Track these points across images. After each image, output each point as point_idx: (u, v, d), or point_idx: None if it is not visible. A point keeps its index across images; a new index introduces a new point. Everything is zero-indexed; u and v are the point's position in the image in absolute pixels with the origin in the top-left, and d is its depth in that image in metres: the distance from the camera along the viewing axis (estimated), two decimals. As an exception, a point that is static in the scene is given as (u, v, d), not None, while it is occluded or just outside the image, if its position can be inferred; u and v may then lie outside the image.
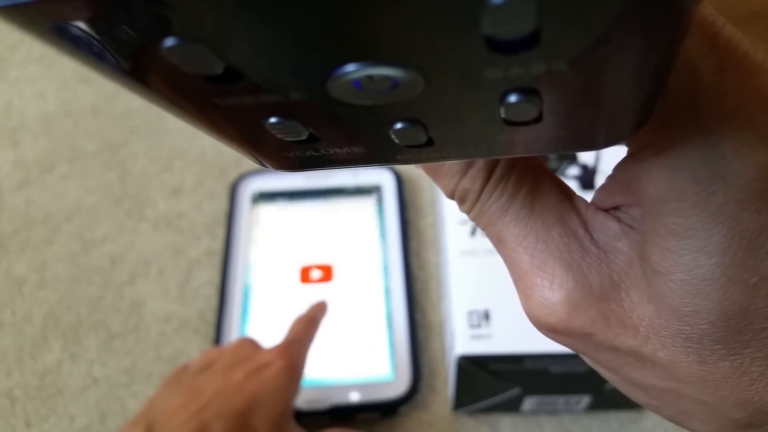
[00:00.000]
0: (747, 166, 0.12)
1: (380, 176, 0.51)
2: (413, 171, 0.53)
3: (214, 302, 0.46)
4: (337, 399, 0.40)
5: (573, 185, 0.42)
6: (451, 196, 0.16)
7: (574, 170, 0.42)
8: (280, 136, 0.11)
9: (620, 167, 0.14)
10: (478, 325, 0.36)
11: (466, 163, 0.15)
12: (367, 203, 0.50)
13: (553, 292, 0.14)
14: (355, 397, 0.40)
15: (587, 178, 0.43)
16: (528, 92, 0.10)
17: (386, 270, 0.46)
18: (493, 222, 0.15)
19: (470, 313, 0.37)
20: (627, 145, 0.14)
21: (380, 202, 0.50)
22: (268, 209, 0.50)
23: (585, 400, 0.39)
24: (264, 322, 0.44)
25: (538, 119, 0.11)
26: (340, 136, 0.12)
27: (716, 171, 0.12)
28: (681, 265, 0.13)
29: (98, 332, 0.45)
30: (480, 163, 0.15)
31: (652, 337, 0.14)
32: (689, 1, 0.09)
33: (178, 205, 0.51)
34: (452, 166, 0.15)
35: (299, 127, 0.11)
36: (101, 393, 0.43)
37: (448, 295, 0.40)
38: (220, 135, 0.12)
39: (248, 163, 0.54)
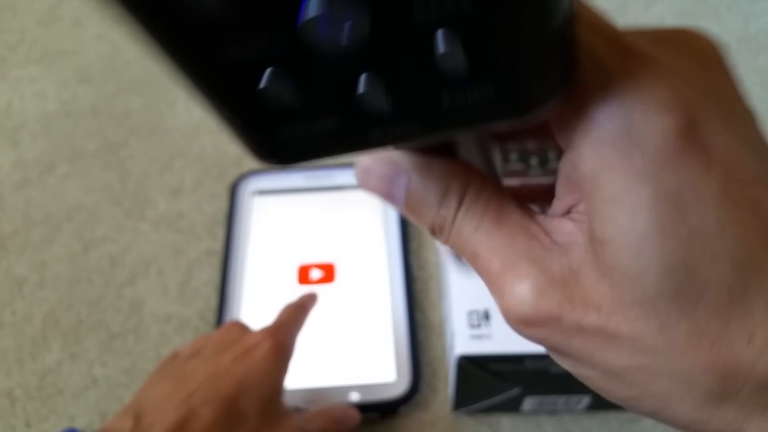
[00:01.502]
0: (654, 131, 0.14)
1: (380, 176, 0.51)
2: (413, 171, 0.53)
3: (214, 302, 0.46)
4: (337, 399, 0.40)
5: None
6: (432, 230, 0.18)
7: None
8: (270, 100, 0.13)
9: (561, 166, 0.17)
10: (478, 325, 0.36)
11: (442, 194, 0.18)
12: (369, 202, 0.50)
13: (522, 284, 0.16)
14: (355, 397, 0.40)
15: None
16: (451, 33, 0.12)
17: (386, 270, 0.46)
18: (467, 240, 0.17)
19: (470, 313, 0.37)
20: (560, 141, 0.16)
21: (380, 202, 0.50)
22: (268, 209, 0.50)
23: (585, 400, 0.39)
24: (264, 322, 0.44)
25: (469, 78, 0.13)
26: (317, 96, 0.13)
27: (632, 139, 0.14)
28: (619, 227, 0.14)
29: (98, 332, 0.45)
30: (452, 193, 0.17)
31: (614, 312, 0.15)
32: None
33: (178, 205, 0.51)
34: (429, 198, 0.18)
35: (284, 87, 0.13)
36: (101, 393, 0.43)
37: (448, 295, 0.40)
38: (216, 101, 0.13)
39: (248, 162, 0.54)
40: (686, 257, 0.14)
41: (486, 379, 0.37)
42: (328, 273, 0.46)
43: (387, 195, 0.18)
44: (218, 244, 0.49)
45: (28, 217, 0.51)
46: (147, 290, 0.47)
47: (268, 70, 0.12)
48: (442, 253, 0.44)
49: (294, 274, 0.46)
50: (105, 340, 0.45)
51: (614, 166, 0.14)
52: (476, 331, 0.36)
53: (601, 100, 0.14)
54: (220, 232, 0.50)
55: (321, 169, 0.52)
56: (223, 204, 0.51)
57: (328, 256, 0.47)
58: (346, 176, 0.51)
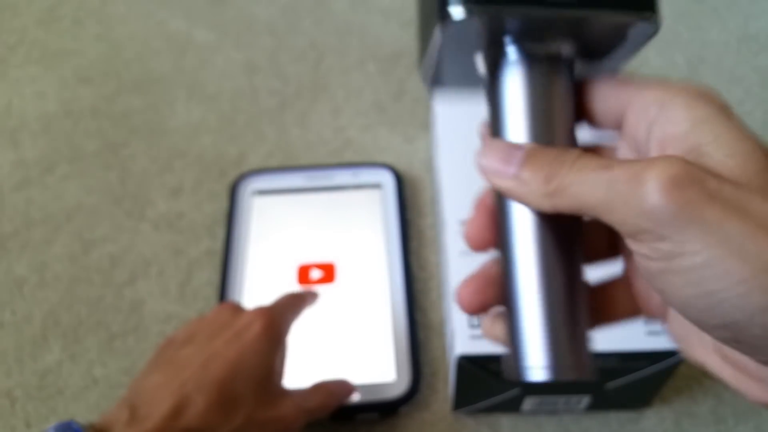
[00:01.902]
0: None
1: (380, 176, 0.51)
2: (413, 171, 0.53)
3: (214, 302, 0.46)
4: (337, 399, 0.40)
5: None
6: (547, 177, 0.20)
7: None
8: None
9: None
10: (478, 325, 0.36)
11: (561, 149, 0.20)
12: (369, 202, 0.50)
13: (672, 158, 0.18)
14: (355, 397, 0.40)
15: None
16: None
17: (386, 270, 0.46)
18: (593, 167, 0.19)
19: (470, 313, 0.37)
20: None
21: (380, 202, 0.50)
22: (268, 209, 0.50)
23: (585, 400, 0.39)
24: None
25: None
26: None
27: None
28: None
29: (98, 332, 0.45)
30: (571, 150, 0.20)
31: (746, 190, 0.18)
32: None
33: (178, 205, 0.51)
34: (548, 152, 0.20)
35: None
36: (101, 393, 0.43)
37: (448, 295, 0.40)
38: None
39: (248, 162, 0.54)
40: None
41: (486, 379, 0.37)
42: (328, 273, 0.46)
43: (505, 160, 0.21)
44: (218, 244, 0.49)
45: (28, 217, 0.51)
46: (147, 290, 0.47)
47: None
48: (442, 253, 0.44)
49: (294, 274, 0.46)
50: (105, 340, 0.45)
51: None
52: (476, 331, 0.36)
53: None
54: (220, 232, 0.50)
55: (321, 169, 0.52)
56: (223, 204, 0.51)
57: (328, 256, 0.47)
58: (346, 176, 0.51)
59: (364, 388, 0.41)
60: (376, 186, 0.51)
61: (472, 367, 0.36)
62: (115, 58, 0.62)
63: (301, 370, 0.42)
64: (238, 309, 0.36)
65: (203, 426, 0.29)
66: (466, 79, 0.24)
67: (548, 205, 0.20)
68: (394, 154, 0.54)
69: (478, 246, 0.24)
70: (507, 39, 0.22)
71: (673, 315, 0.22)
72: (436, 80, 0.25)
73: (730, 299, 0.17)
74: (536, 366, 0.21)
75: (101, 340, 0.45)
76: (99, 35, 0.64)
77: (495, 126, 0.22)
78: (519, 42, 0.22)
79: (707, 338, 0.20)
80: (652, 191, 0.17)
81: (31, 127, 0.57)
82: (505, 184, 0.21)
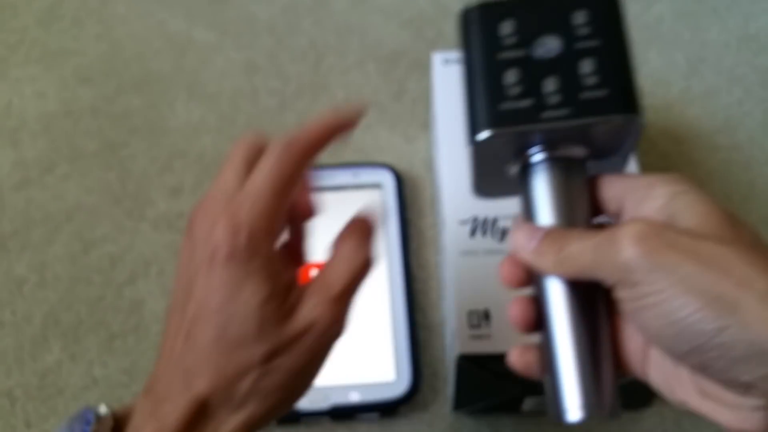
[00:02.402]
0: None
1: (380, 176, 0.51)
2: (413, 171, 0.53)
3: (214, 302, 0.46)
4: (337, 399, 0.40)
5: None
6: (556, 249, 0.26)
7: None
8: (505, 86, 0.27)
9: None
10: (478, 326, 0.36)
11: (567, 229, 0.27)
12: (369, 202, 0.50)
13: (637, 220, 0.25)
14: (355, 397, 0.40)
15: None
16: (588, 62, 0.28)
17: (386, 270, 0.46)
18: (585, 240, 0.25)
19: (470, 314, 0.37)
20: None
21: (380, 202, 0.50)
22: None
23: (585, 400, 0.39)
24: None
25: (596, 84, 0.27)
26: (527, 86, 0.27)
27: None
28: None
29: (98, 332, 0.45)
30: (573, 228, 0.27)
31: (699, 237, 0.24)
32: None
33: (178, 205, 0.51)
34: (560, 232, 0.26)
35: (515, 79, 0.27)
36: (101, 393, 0.43)
37: (447, 295, 0.40)
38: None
39: (248, 163, 0.54)
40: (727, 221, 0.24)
41: (486, 379, 0.37)
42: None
43: (528, 236, 0.27)
44: (218, 244, 0.49)
45: (28, 217, 0.51)
46: (147, 290, 0.47)
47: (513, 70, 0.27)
48: (442, 253, 0.44)
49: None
50: (105, 340, 0.45)
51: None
52: (476, 332, 0.36)
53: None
54: (220, 232, 0.50)
55: (321, 169, 0.52)
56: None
57: (328, 256, 0.47)
58: (346, 176, 0.51)
59: (364, 388, 0.41)
60: (376, 186, 0.51)
61: (472, 367, 0.36)
62: (115, 58, 0.62)
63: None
64: (202, 218, 0.28)
65: (215, 395, 0.25)
66: (502, 188, 0.30)
67: (560, 272, 0.26)
68: (394, 154, 0.54)
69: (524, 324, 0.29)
70: (530, 149, 0.28)
71: (653, 365, 0.26)
72: (479, 190, 0.31)
73: (691, 326, 0.21)
74: (573, 408, 0.26)
75: (101, 340, 0.45)
76: (99, 35, 0.64)
77: (526, 214, 0.29)
78: (540, 150, 0.28)
79: (685, 379, 0.24)
80: (624, 246, 0.23)
81: (31, 127, 0.57)
82: (527, 256, 0.26)
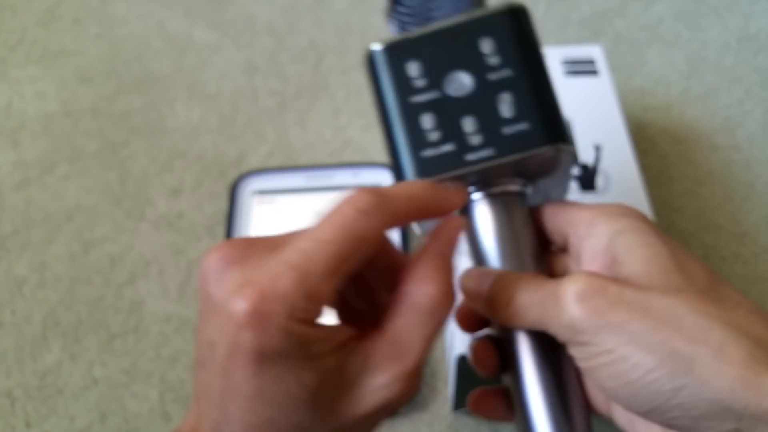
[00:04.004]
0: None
1: (380, 176, 0.51)
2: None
3: (214, 302, 0.46)
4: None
5: (573, 185, 0.42)
6: (503, 295, 0.24)
7: (573, 170, 0.42)
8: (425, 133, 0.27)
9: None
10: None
11: (515, 277, 0.25)
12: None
13: (578, 276, 0.23)
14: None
15: (587, 177, 0.43)
16: (506, 96, 0.27)
17: (386, 270, 0.46)
18: (532, 288, 0.24)
19: (470, 314, 0.37)
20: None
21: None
22: (268, 209, 0.50)
23: (585, 400, 0.39)
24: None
25: (515, 117, 0.26)
26: (446, 130, 0.27)
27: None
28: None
29: (98, 332, 0.45)
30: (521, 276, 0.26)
31: (648, 289, 0.23)
32: None
33: (178, 205, 0.51)
34: (507, 283, 0.25)
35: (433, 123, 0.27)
36: (101, 393, 0.43)
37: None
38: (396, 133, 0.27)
39: (248, 162, 0.54)
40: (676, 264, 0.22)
41: (486, 380, 0.37)
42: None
43: (477, 282, 0.25)
44: (218, 244, 0.49)
45: (28, 217, 0.51)
46: (147, 290, 0.47)
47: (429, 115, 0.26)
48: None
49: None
50: (105, 340, 0.45)
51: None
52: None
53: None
54: (220, 232, 0.50)
55: (321, 169, 0.52)
56: (223, 204, 0.51)
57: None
58: (346, 176, 0.51)
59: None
60: (377, 185, 0.51)
61: (472, 367, 0.36)
62: (115, 58, 0.62)
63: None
64: (216, 280, 0.22)
65: None
66: None
67: (513, 324, 0.24)
68: (394, 154, 0.54)
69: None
70: (469, 187, 0.27)
71: (617, 414, 0.25)
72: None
73: (646, 386, 0.20)
74: None
75: (101, 340, 0.45)
76: (99, 35, 0.64)
77: (474, 256, 0.28)
78: (475, 189, 0.27)
79: (652, 424, 0.23)
80: (568, 305, 0.21)
81: (31, 127, 0.57)
82: (479, 305, 0.25)
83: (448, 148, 0.26)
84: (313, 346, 0.20)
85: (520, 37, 0.26)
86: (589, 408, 0.26)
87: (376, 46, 0.28)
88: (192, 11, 0.66)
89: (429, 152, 0.26)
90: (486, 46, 0.26)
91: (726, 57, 0.60)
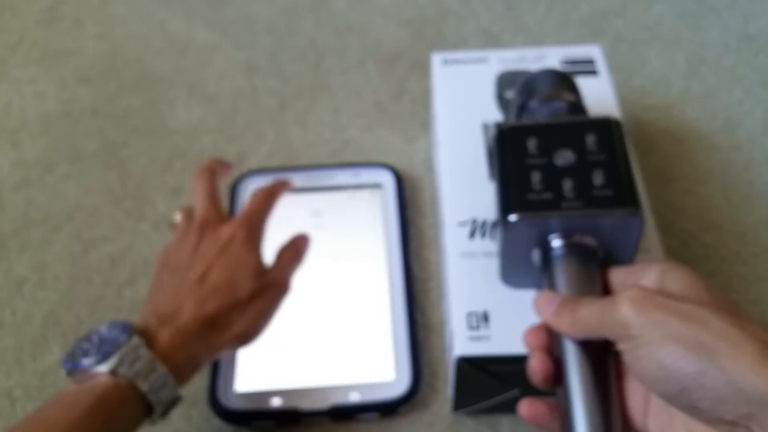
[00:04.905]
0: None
1: (380, 176, 0.51)
2: (413, 171, 0.53)
3: (214, 302, 0.46)
4: (337, 399, 0.40)
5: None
6: (570, 316, 0.31)
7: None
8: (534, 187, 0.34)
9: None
10: (477, 327, 0.36)
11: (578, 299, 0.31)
12: (369, 202, 0.50)
13: (632, 288, 0.30)
14: (355, 397, 0.40)
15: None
16: (599, 172, 0.35)
17: (386, 269, 0.46)
18: (595, 305, 0.30)
19: (469, 315, 0.37)
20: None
21: (380, 202, 0.50)
22: (268, 209, 0.50)
23: (585, 400, 0.39)
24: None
25: (603, 185, 0.34)
26: (549, 187, 0.34)
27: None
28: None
29: (98, 332, 0.45)
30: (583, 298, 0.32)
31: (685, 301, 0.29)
32: None
33: (178, 205, 0.51)
34: (573, 301, 0.31)
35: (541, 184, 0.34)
36: (101, 393, 0.43)
37: (447, 296, 0.40)
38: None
39: (248, 162, 0.54)
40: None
41: (485, 381, 0.37)
42: (328, 272, 0.46)
43: (548, 302, 0.32)
44: (218, 244, 0.49)
45: (28, 217, 0.51)
46: (147, 290, 0.47)
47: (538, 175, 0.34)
48: (442, 254, 0.44)
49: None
50: (105, 340, 0.45)
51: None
52: (475, 333, 0.36)
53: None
54: (220, 232, 0.50)
55: (321, 169, 0.52)
56: (223, 204, 0.51)
57: (328, 254, 0.47)
58: (346, 176, 0.51)
59: (364, 388, 0.41)
60: (376, 186, 0.51)
61: (471, 368, 0.36)
62: (115, 58, 0.62)
63: (302, 369, 0.42)
64: (211, 224, 0.41)
65: (220, 313, 0.36)
66: (525, 278, 0.36)
67: (573, 332, 0.30)
68: (394, 154, 0.54)
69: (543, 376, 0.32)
70: (551, 237, 0.34)
71: (652, 416, 0.30)
72: (506, 276, 0.37)
73: (677, 370, 0.26)
74: None
75: (101, 340, 0.45)
76: (99, 35, 0.64)
77: (549, 287, 0.34)
78: (558, 237, 0.33)
79: (678, 426, 0.28)
80: (622, 307, 0.28)
81: (31, 127, 0.57)
82: (548, 318, 0.31)
83: (547, 195, 0.33)
84: (262, 240, 0.42)
85: (615, 137, 0.35)
86: (627, 425, 0.31)
87: (508, 127, 0.37)
88: (192, 11, 0.66)
89: (532, 196, 0.33)
90: (590, 138, 0.35)
91: (726, 57, 0.60)
